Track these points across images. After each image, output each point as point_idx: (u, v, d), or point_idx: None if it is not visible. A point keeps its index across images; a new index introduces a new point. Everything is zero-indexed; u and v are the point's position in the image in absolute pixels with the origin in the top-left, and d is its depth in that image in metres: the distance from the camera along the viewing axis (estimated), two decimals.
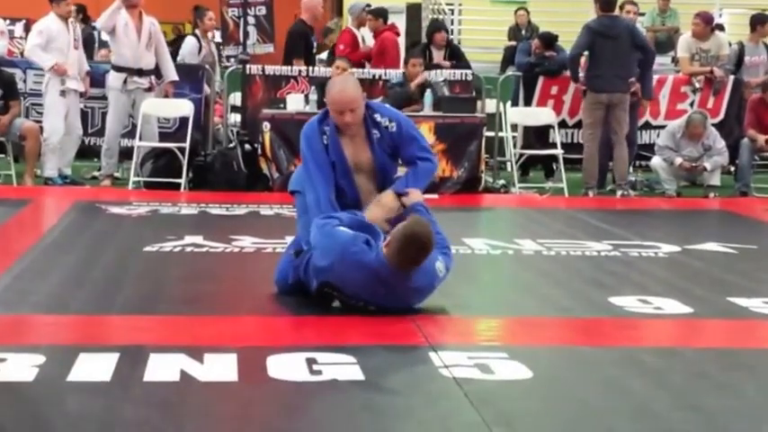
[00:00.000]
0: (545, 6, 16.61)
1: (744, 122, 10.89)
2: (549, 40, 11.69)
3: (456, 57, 12.09)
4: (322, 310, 4.93)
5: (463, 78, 11.33)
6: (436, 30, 12.25)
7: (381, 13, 12.70)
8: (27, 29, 14.46)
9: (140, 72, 10.28)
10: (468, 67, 11.87)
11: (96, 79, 10.80)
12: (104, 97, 10.73)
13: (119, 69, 10.27)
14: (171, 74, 10.46)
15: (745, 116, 10.90)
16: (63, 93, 10.08)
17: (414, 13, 16.74)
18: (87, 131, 11.03)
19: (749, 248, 7.21)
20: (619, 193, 10.35)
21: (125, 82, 10.21)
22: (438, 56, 11.92)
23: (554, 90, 11.51)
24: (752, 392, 3.87)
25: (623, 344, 4.59)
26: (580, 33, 10.60)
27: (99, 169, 10.70)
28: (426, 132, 10.07)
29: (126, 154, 10.52)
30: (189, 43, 11.84)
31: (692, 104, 11.48)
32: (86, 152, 11.15)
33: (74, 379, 3.76)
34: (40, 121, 10.34)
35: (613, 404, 3.72)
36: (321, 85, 10.45)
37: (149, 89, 10.38)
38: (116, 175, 10.69)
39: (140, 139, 10.24)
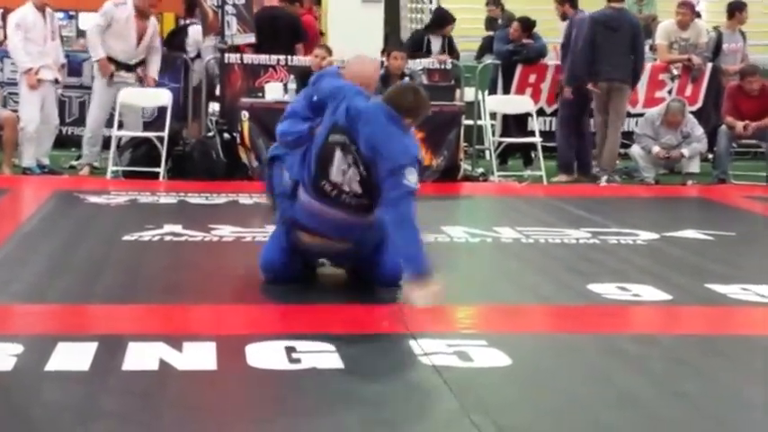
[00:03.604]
0: None
1: (721, 110, 10.93)
2: (528, 24, 11.70)
3: (452, 49, 12.06)
4: (301, 299, 4.93)
5: (441, 67, 11.33)
6: (448, 22, 12.13)
7: None
8: (3, 18, 14.33)
9: (128, 67, 10.26)
10: (457, 59, 11.89)
11: (74, 68, 10.73)
12: (82, 86, 10.66)
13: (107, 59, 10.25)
14: (153, 72, 10.44)
15: (722, 103, 10.94)
16: (39, 81, 10.02)
17: (393, 2, 16.71)
18: (65, 121, 10.96)
19: (727, 235, 7.24)
20: (603, 178, 10.39)
21: (111, 75, 10.19)
22: (436, 44, 11.85)
23: (532, 78, 11.54)
24: (731, 378, 3.90)
25: (602, 331, 4.60)
26: (583, 27, 10.68)
27: (78, 158, 10.65)
28: None
29: (104, 143, 10.47)
30: (200, 31, 11.73)
31: (670, 92, 11.53)
32: (64, 141, 11.09)
33: (52, 368, 3.74)
34: (17, 111, 10.28)
35: (592, 390, 3.74)
36: (300, 74, 10.43)
37: (139, 80, 10.38)
38: (95, 164, 10.64)
39: (122, 128, 10.22)
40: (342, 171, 4.90)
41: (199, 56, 11.41)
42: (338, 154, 4.90)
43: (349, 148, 4.88)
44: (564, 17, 10.98)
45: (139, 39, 10.21)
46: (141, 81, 10.36)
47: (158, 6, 11.01)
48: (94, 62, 10.21)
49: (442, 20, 12.15)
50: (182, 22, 11.98)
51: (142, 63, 10.35)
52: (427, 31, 12.21)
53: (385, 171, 4.74)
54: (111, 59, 10.18)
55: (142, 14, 10.19)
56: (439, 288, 4.55)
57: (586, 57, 10.45)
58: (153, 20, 10.39)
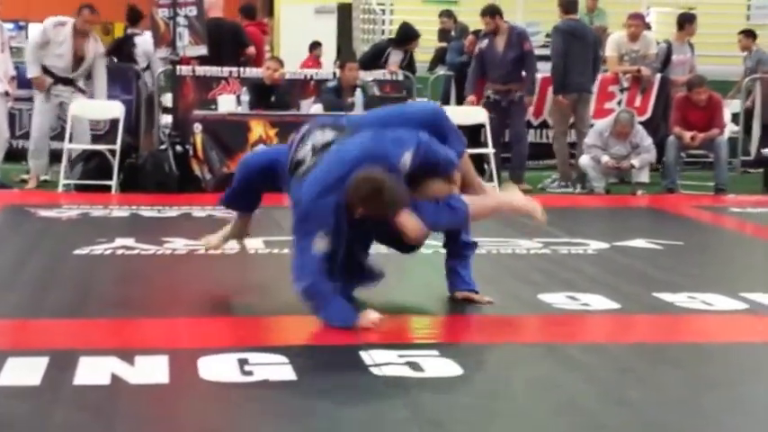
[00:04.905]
0: (474, 7, 16.69)
1: (670, 120, 11.07)
2: None
3: (411, 65, 12.11)
4: (254, 311, 4.95)
5: (393, 78, 11.39)
6: (413, 38, 12.16)
7: (246, 11, 12.57)
8: None
9: (65, 81, 10.21)
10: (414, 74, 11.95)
11: (23, 81, 10.67)
12: (32, 99, 10.60)
13: (44, 71, 10.18)
14: (101, 94, 10.41)
15: (671, 114, 11.08)
16: None
17: (345, 12, 16.78)
18: (15, 134, 10.89)
19: (675, 244, 7.34)
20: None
21: (49, 89, 10.15)
22: (395, 58, 11.88)
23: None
24: (675, 385, 3.96)
25: (552, 340, 4.66)
26: (553, 39, 10.81)
27: (28, 172, 10.58)
28: None
29: (56, 156, 10.41)
30: (149, 41, 11.74)
31: (619, 103, 11.67)
32: (15, 155, 11.01)
33: (2, 384, 3.73)
34: None
35: (542, 400, 3.78)
36: (254, 86, 10.45)
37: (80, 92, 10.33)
38: (46, 177, 10.57)
39: (71, 140, 10.17)
40: (307, 153, 4.80)
41: (149, 67, 11.42)
42: (318, 133, 4.84)
43: (320, 150, 4.77)
44: (496, 32, 10.94)
45: (80, 58, 10.20)
46: (83, 92, 10.32)
47: (109, 16, 11.01)
48: (29, 78, 10.21)
49: (407, 36, 12.17)
50: (129, 31, 11.99)
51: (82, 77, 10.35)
52: (390, 44, 12.25)
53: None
54: (49, 73, 10.14)
55: (81, 34, 10.18)
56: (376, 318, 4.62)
57: (559, 67, 10.65)
58: (93, 41, 10.34)
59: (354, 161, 4.62)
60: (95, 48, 10.32)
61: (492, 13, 10.91)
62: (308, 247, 4.58)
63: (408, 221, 4.72)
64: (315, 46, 16.20)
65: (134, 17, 11.94)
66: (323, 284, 4.59)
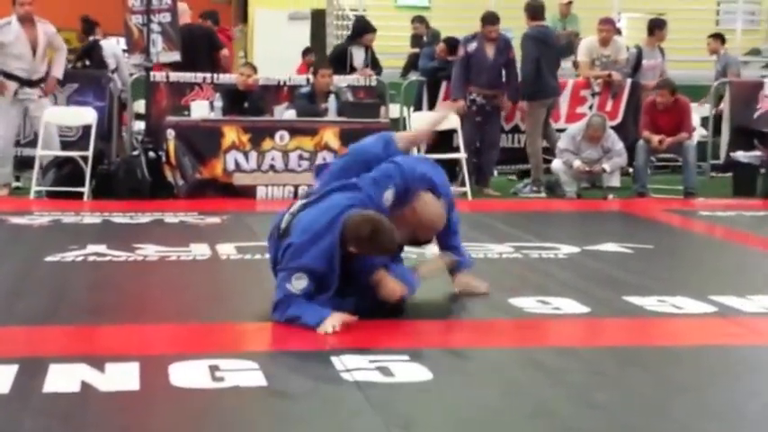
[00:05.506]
0: (447, 13, 16.76)
1: (639, 124, 11.15)
2: (454, 45, 11.83)
3: (375, 63, 12.13)
4: (225, 317, 4.95)
5: (367, 84, 11.41)
6: (369, 30, 12.16)
7: (209, 16, 12.59)
8: None
9: (30, 83, 10.14)
10: (380, 74, 11.97)
11: None
12: None
13: (7, 76, 10.09)
14: (57, 72, 10.32)
15: (640, 118, 11.16)
16: None
17: (319, 18, 16.77)
18: None
19: (645, 248, 7.39)
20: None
21: (15, 93, 10.07)
22: (359, 56, 11.90)
23: None
24: (645, 388, 3.98)
25: (522, 344, 4.68)
26: (526, 46, 10.86)
27: None
28: (331, 138, 10.13)
29: (28, 163, 10.37)
30: (114, 44, 11.69)
31: (590, 108, 11.73)
32: None
33: None
34: None
35: (512, 404, 3.80)
36: (227, 91, 10.45)
37: (44, 95, 10.27)
38: (17, 184, 10.52)
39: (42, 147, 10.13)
40: (287, 218, 4.99)
41: (117, 69, 11.45)
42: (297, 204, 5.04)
43: (298, 211, 4.94)
44: (495, 38, 10.99)
45: (36, 48, 10.09)
46: (47, 95, 10.26)
47: (74, 24, 10.95)
48: None
49: (362, 29, 12.21)
50: (92, 38, 12.04)
51: (45, 78, 10.26)
52: (349, 42, 12.28)
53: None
54: (12, 77, 10.06)
55: (28, 21, 10.07)
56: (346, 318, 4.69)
57: (532, 73, 10.72)
58: (45, 26, 10.22)
59: (343, 207, 4.80)
60: (44, 28, 10.20)
61: (498, 20, 10.97)
62: (286, 283, 4.73)
63: (389, 284, 4.91)
64: (307, 52, 16.20)
65: (88, 28, 11.99)
66: (294, 299, 4.71)
